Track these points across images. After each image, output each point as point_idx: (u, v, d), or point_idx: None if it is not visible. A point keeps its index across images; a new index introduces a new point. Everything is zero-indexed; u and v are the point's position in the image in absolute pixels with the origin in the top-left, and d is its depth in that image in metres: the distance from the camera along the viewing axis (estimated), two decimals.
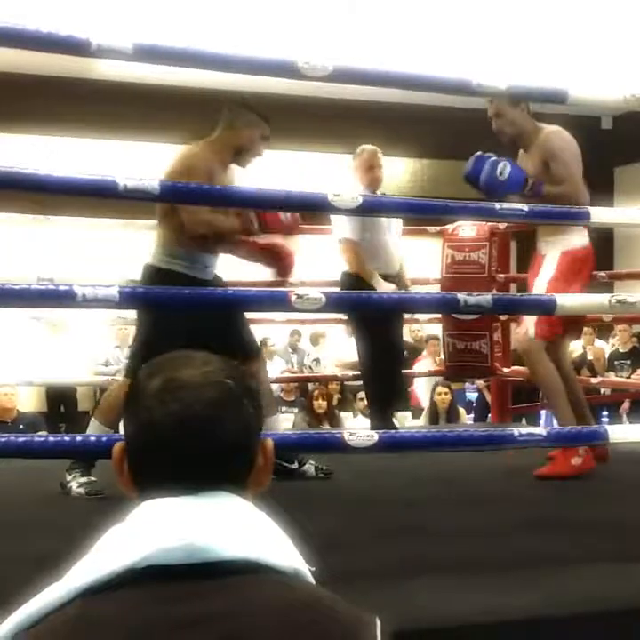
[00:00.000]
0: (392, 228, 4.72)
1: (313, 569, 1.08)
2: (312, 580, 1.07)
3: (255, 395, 1.10)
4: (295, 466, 3.69)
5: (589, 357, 9.22)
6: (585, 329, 9.29)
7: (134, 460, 1.07)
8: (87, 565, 1.01)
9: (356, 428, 7.04)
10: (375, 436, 2.41)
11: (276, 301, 2.59)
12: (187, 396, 1.03)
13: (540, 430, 2.63)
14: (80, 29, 2.41)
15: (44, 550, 1.95)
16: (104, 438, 2.21)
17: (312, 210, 3.07)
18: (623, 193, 11.73)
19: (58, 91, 8.91)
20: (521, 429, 2.58)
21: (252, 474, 1.08)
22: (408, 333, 9.32)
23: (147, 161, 10.05)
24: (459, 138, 9.96)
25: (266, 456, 1.10)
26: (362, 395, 7.98)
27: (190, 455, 1.03)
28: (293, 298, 2.43)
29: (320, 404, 7.58)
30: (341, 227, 4.52)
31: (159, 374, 1.07)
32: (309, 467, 3.73)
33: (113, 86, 8.54)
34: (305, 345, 9.99)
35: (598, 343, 9.58)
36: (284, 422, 7.89)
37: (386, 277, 4.54)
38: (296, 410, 8.34)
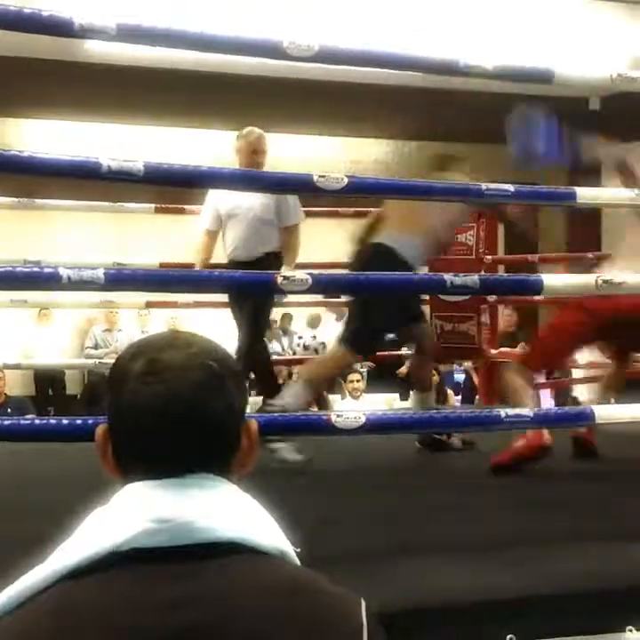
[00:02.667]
0: (257, 217, 4.61)
1: (298, 550, 1.08)
2: (298, 562, 1.07)
3: (239, 376, 1.10)
4: (444, 437, 3.93)
5: None
6: None
7: (117, 443, 1.06)
8: (70, 548, 1.01)
9: (344, 409, 7.08)
10: (362, 417, 2.41)
11: (263, 284, 2.58)
12: (170, 377, 1.02)
13: (527, 412, 2.63)
14: (63, 10, 2.38)
15: (30, 533, 1.94)
16: (90, 421, 2.19)
17: (297, 191, 3.05)
18: (611, 175, 11.69)
19: (46, 73, 8.83)
20: (508, 411, 2.58)
21: (237, 456, 1.08)
22: None
23: (137, 143, 10.05)
24: (447, 120, 9.94)
25: (250, 438, 1.10)
26: (352, 377, 8.00)
27: (173, 437, 1.02)
28: (280, 279, 2.43)
29: None
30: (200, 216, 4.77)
31: (143, 356, 1.06)
32: (454, 438, 3.97)
33: (101, 68, 8.47)
34: (295, 327, 9.95)
35: None
36: None
37: (245, 264, 4.47)
38: None
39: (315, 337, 9.14)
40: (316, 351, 8.95)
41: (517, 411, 2.61)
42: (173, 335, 1.13)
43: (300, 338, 9.39)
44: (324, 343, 9.03)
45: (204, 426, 1.03)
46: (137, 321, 9.74)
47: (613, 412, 2.93)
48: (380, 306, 3.59)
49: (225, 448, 1.06)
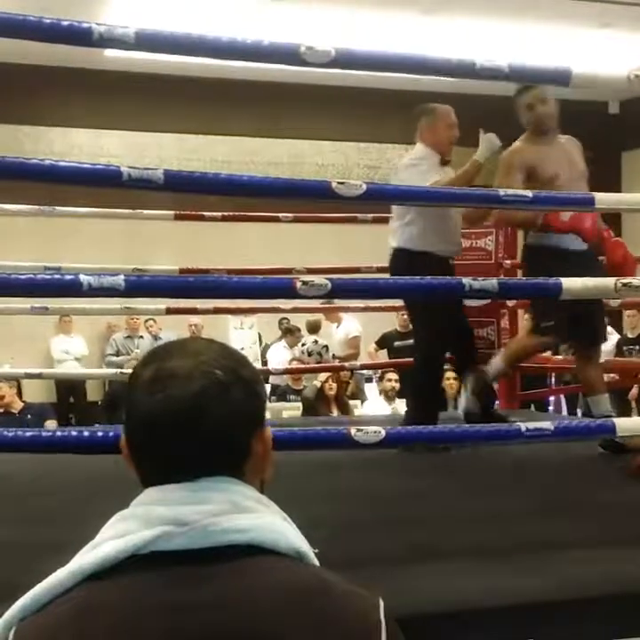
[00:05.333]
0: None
1: (317, 551, 1.08)
2: (316, 562, 1.07)
3: (251, 383, 1.09)
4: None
5: None
6: None
7: (132, 449, 1.08)
8: (91, 551, 1.02)
9: (365, 417, 7.05)
10: (382, 431, 2.38)
11: (282, 289, 2.58)
12: (172, 386, 1.04)
13: (548, 425, 2.57)
14: (83, 19, 2.40)
15: (56, 538, 1.96)
16: (111, 433, 2.20)
17: (315, 198, 3.05)
18: (631, 178, 11.68)
19: (67, 81, 8.91)
20: (528, 424, 2.52)
21: (249, 462, 1.08)
22: (399, 320, 9.14)
23: (155, 150, 10.10)
24: (465, 124, 9.91)
25: (264, 444, 1.10)
26: (390, 376, 7.82)
27: (178, 444, 1.03)
28: (299, 284, 2.42)
29: (331, 386, 7.57)
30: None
31: (152, 363, 1.08)
32: None
33: (120, 76, 8.55)
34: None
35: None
36: (292, 411, 7.88)
37: (447, 260, 4.39)
38: None
39: (316, 342, 9.00)
40: (320, 355, 8.81)
41: (538, 424, 2.56)
42: (186, 342, 1.14)
43: (302, 345, 9.22)
44: (326, 346, 8.92)
45: (205, 434, 1.03)
46: (143, 328, 9.73)
47: (636, 424, 2.90)
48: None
49: (233, 454, 1.06)
